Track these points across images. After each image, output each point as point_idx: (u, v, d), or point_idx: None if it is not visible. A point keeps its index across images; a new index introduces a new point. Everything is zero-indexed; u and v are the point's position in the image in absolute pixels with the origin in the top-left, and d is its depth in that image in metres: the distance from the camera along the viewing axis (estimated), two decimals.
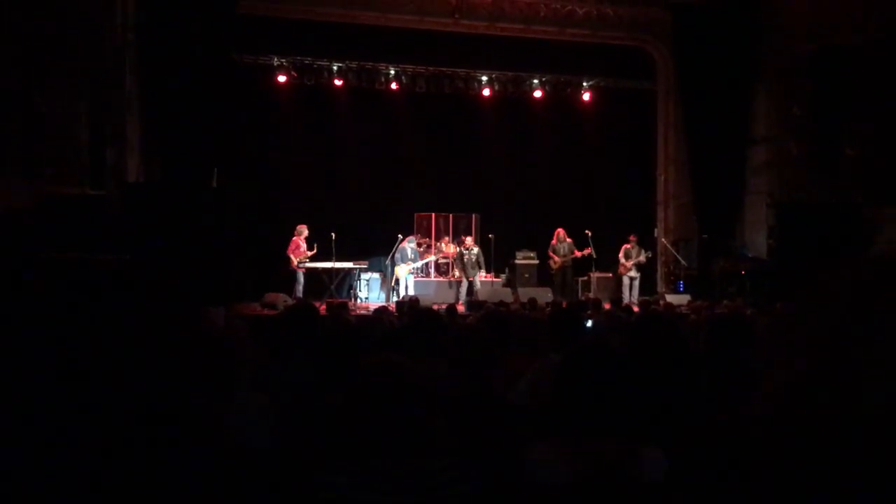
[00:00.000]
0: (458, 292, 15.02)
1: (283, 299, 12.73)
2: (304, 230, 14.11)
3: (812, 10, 14.71)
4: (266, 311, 12.14)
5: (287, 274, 14.17)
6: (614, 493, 2.13)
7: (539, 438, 2.34)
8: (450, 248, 15.99)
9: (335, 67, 15.75)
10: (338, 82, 15.85)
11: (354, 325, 5.39)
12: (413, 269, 14.62)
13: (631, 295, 14.65)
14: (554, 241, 15.24)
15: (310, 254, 13.99)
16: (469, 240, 15.24)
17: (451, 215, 16.61)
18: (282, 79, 15.59)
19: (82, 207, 11.76)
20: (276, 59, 15.49)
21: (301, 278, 14.01)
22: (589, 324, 5.24)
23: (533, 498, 2.20)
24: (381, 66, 15.95)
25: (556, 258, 15.14)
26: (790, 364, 0.62)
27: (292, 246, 13.98)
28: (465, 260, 14.83)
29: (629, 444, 2.23)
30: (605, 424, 2.29)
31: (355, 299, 14.09)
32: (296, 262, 13.91)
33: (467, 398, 3.16)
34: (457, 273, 15.61)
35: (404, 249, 14.54)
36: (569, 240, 15.18)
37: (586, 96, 16.90)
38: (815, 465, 0.59)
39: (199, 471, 2.09)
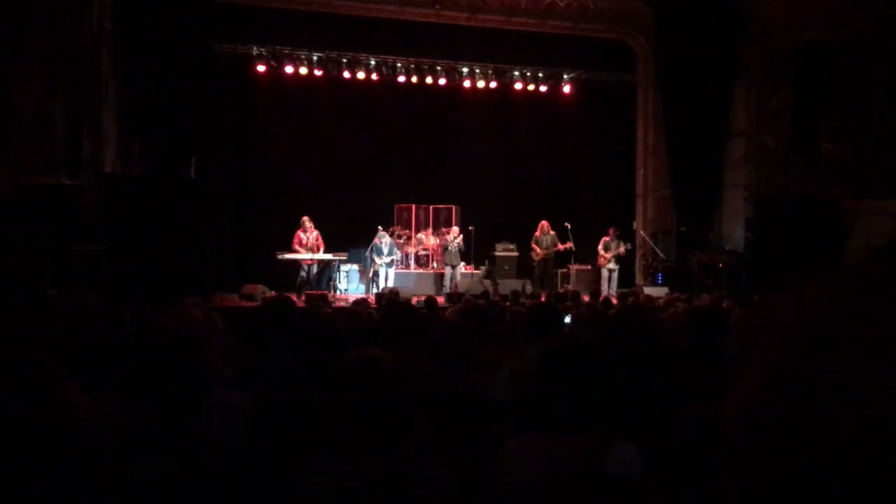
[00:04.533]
0: (439, 284, 15.03)
1: (261, 290, 12.67)
2: (303, 222, 13.97)
3: (792, 4, 14.79)
4: (244, 303, 12.08)
5: (264, 265, 14.09)
6: (587, 490, 2.13)
7: (515, 435, 2.34)
8: (430, 240, 15.97)
9: (315, 57, 15.66)
10: (318, 72, 15.76)
11: (332, 318, 5.37)
12: (384, 263, 14.53)
13: (609, 287, 14.71)
14: (538, 233, 15.27)
15: (313, 244, 13.86)
16: (455, 229, 15.25)
17: (431, 207, 16.60)
18: (261, 68, 15.48)
19: (58, 197, 11.66)
20: (255, 49, 15.38)
21: (302, 270, 13.91)
22: (567, 318, 5.25)
23: (507, 495, 2.20)
24: (362, 57, 15.87)
25: (539, 250, 15.17)
26: (750, 374, 0.62)
27: (294, 240, 13.89)
28: (449, 249, 14.83)
29: (602, 441, 2.23)
30: (583, 420, 2.29)
31: (335, 291, 14.04)
32: (292, 255, 13.80)
33: (446, 393, 3.15)
34: (435, 265, 15.63)
35: (378, 245, 14.49)
36: (552, 232, 15.21)
37: (567, 88, 16.93)
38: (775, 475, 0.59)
39: (171, 468, 2.07)
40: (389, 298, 8.89)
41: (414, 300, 11.81)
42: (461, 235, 15.12)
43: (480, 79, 16.45)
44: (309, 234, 13.88)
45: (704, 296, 11.85)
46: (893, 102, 13.92)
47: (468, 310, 5.06)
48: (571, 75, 16.89)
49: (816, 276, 0.63)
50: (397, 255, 15.23)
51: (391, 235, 14.97)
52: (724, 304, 8.90)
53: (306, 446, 2.29)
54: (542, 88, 16.87)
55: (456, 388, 3.20)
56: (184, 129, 13.60)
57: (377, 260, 14.39)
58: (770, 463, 0.59)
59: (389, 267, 14.60)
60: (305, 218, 13.97)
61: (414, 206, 16.56)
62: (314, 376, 2.98)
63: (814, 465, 0.55)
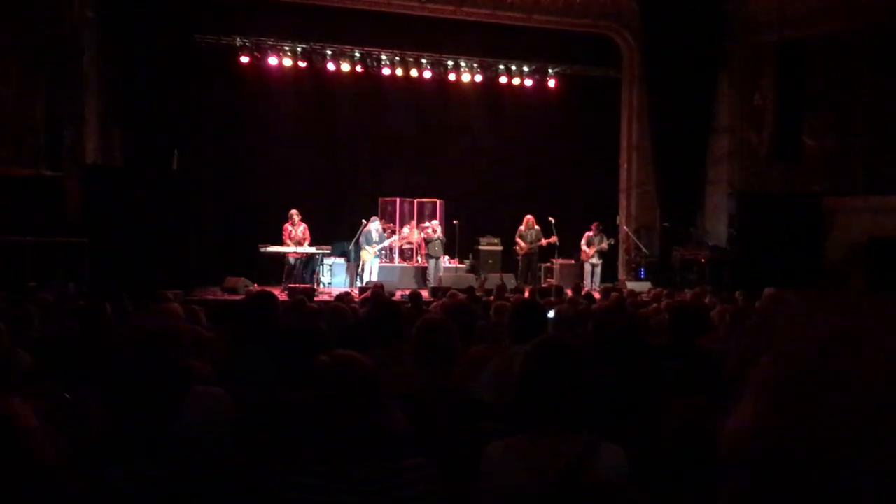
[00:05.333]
0: (423, 278, 15.01)
1: (244, 283, 12.62)
2: (291, 215, 13.85)
3: (775, 2, 14.86)
4: (227, 296, 12.03)
5: (247, 257, 14.02)
6: (573, 492, 2.13)
7: (499, 436, 2.33)
8: (414, 235, 15.94)
9: (299, 49, 15.55)
10: (302, 64, 15.66)
11: (316, 314, 5.34)
12: (378, 251, 14.52)
13: (593, 282, 14.74)
14: (522, 228, 15.24)
15: (300, 238, 13.73)
16: (435, 222, 15.27)
17: (415, 201, 16.55)
18: (244, 60, 15.35)
19: (39, 188, 11.56)
20: (238, 40, 15.24)
21: (288, 263, 13.81)
22: (551, 314, 5.25)
23: (492, 497, 2.19)
24: (346, 49, 15.78)
25: (523, 244, 15.15)
26: (752, 396, 0.61)
27: (284, 233, 13.78)
28: (432, 242, 14.83)
29: (588, 443, 2.22)
30: (568, 421, 2.28)
31: (318, 284, 13.98)
32: (275, 248, 13.69)
33: (430, 392, 3.14)
34: (420, 259, 15.61)
35: (369, 232, 14.43)
36: (537, 227, 15.19)
37: (552, 83, 16.92)
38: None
39: (151, 471, 2.04)
40: (374, 294, 8.86)
41: (398, 294, 11.81)
42: (441, 227, 15.14)
43: (466, 72, 16.40)
44: (296, 227, 13.80)
45: (687, 291, 11.92)
46: (875, 99, 14.04)
47: (452, 306, 5.04)
48: (556, 70, 16.88)
49: (819, 295, 0.62)
50: (394, 238, 15.28)
51: None
52: (707, 300, 8.96)
53: (289, 448, 2.27)
54: (528, 83, 16.84)
55: (440, 387, 3.19)
56: (166, 120, 13.49)
57: (368, 249, 14.29)
58: (770, 488, 0.58)
59: (377, 257, 14.55)
60: (294, 211, 13.87)
61: (398, 200, 16.50)
62: (297, 375, 2.95)
63: (815, 493, 0.55)
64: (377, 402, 2.11)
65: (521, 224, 15.31)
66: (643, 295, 10.85)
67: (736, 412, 0.61)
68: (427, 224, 15.53)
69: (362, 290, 12.01)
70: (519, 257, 15.33)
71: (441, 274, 14.44)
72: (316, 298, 10.94)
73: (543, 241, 15.08)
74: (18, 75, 11.65)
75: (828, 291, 0.64)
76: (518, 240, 15.27)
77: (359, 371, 2.13)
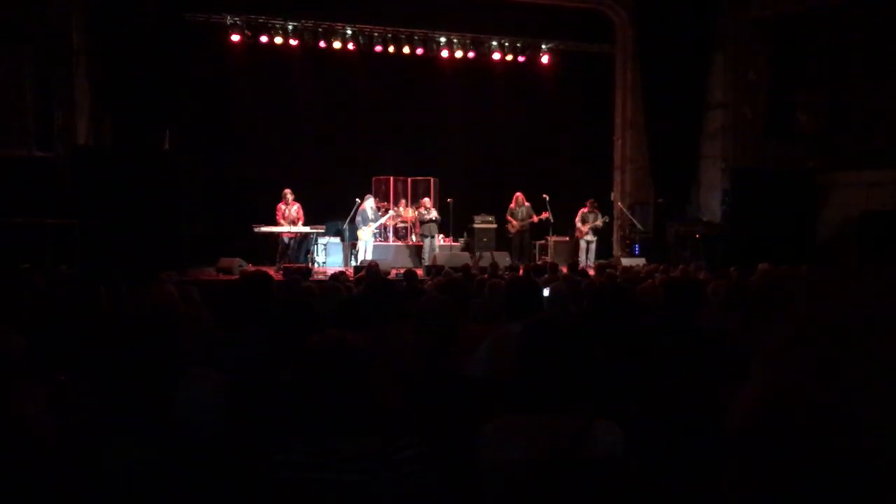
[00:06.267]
0: (417, 256, 15.01)
1: (238, 264, 12.59)
2: (285, 194, 13.75)
3: None
4: (221, 276, 12.00)
5: (241, 237, 13.96)
6: (570, 469, 2.13)
7: (495, 414, 2.32)
8: (408, 212, 15.91)
9: (290, 26, 15.42)
10: (293, 42, 15.54)
11: (311, 293, 5.33)
12: (376, 229, 14.49)
13: (587, 258, 14.75)
14: (513, 205, 15.23)
15: (293, 217, 13.63)
16: (427, 200, 15.22)
17: (409, 179, 16.50)
18: (235, 38, 15.22)
19: (30, 170, 11.49)
20: (229, 18, 15.10)
21: (282, 242, 13.74)
22: (546, 292, 5.24)
23: (488, 476, 2.19)
24: (338, 26, 15.66)
25: (515, 222, 15.15)
26: (760, 382, 0.60)
27: (277, 213, 13.68)
28: (425, 223, 14.81)
29: (584, 420, 2.22)
30: (564, 399, 2.28)
31: (312, 264, 13.95)
32: (269, 228, 13.62)
33: (426, 371, 3.13)
34: (415, 238, 15.59)
35: (364, 211, 14.35)
36: (527, 204, 15.18)
37: (545, 59, 16.83)
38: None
39: (146, 450, 2.04)
40: (369, 273, 8.85)
41: (393, 273, 11.80)
42: (433, 205, 15.12)
43: (458, 48, 16.30)
44: (290, 206, 13.74)
45: (681, 267, 11.93)
46: (869, 75, 14.00)
47: (448, 284, 5.03)
48: (550, 45, 16.78)
49: (831, 271, 0.61)
50: (390, 214, 15.24)
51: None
52: (701, 276, 8.98)
53: (281, 427, 2.27)
54: (521, 59, 16.76)
55: (437, 365, 3.19)
56: (157, 100, 13.39)
57: (365, 228, 14.21)
58: (780, 464, 0.57)
59: (374, 236, 14.52)
60: (287, 190, 13.80)
61: (392, 178, 16.45)
62: (292, 354, 2.94)
63: (827, 470, 0.54)
64: (368, 381, 2.11)
65: (510, 202, 15.30)
66: (639, 272, 10.85)
67: (746, 389, 0.61)
68: (422, 201, 15.52)
69: (357, 269, 11.99)
70: (511, 235, 15.33)
71: (436, 252, 14.43)
72: (311, 278, 10.93)
73: (535, 217, 15.06)
74: (7, 57, 11.55)
75: (838, 267, 0.63)
76: (509, 218, 15.25)
77: (350, 350, 2.12)
